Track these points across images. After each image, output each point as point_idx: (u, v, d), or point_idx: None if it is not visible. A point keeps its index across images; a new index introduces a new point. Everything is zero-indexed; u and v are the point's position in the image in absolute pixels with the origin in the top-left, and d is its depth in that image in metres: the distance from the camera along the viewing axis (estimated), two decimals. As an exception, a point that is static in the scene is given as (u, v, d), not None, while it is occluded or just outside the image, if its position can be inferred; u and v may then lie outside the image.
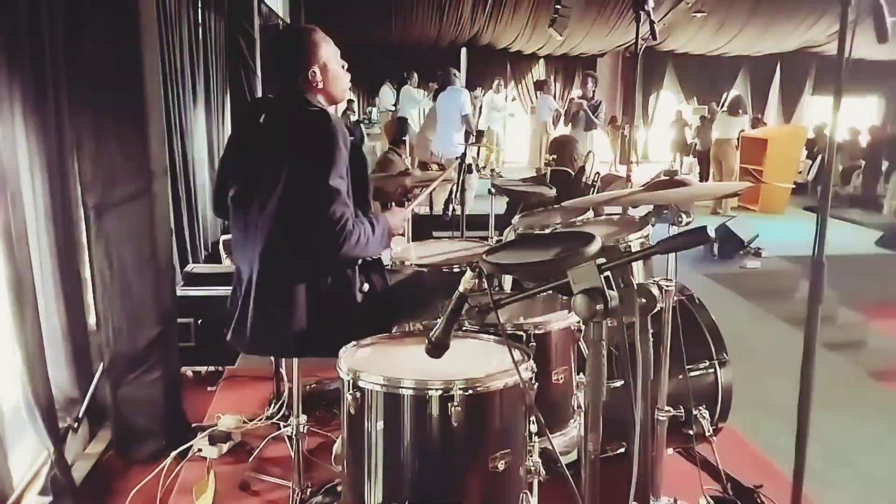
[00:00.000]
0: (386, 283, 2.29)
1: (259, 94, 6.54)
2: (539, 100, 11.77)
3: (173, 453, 2.66)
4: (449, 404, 1.52)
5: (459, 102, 7.26)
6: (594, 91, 8.57)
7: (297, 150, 2.03)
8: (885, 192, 11.57)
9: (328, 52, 2.16)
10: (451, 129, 7.29)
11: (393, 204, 3.31)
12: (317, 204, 1.97)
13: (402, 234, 2.30)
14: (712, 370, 2.41)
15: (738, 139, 9.60)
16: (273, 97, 2.29)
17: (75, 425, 2.67)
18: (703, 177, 11.24)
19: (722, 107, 10.66)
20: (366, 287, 2.18)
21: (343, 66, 2.21)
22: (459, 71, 8.72)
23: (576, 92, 12.75)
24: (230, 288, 2.27)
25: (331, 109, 2.16)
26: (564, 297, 2.16)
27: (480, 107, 11.66)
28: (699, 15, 11.92)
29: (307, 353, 2.17)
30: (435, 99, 8.43)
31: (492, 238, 3.79)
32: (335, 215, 1.96)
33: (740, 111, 9.51)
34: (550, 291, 1.35)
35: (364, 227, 2.05)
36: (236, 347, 2.23)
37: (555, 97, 13.25)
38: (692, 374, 2.36)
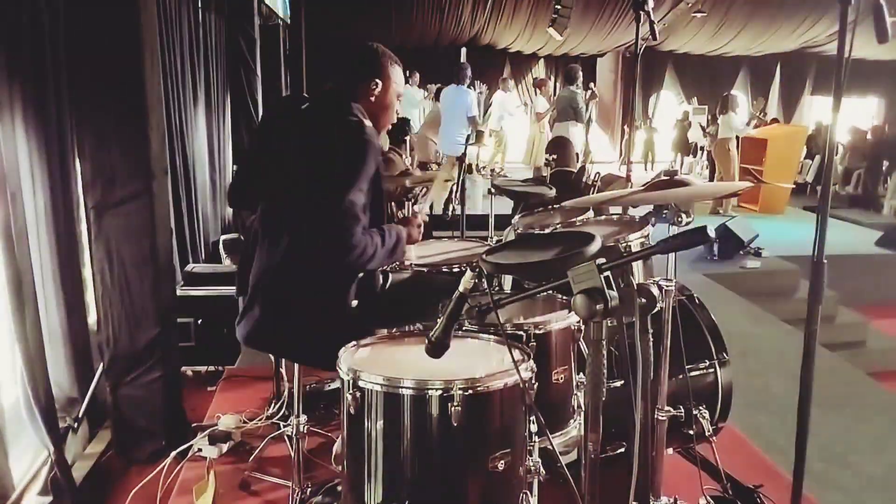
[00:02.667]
0: (376, 289, 2.29)
1: (259, 94, 6.55)
2: (535, 99, 11.77)
3: (173, 453, 2.67)
4: (449, 404, 1.52)
5: (466, 103, 7.24)
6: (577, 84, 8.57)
7: (326, 157, 2.00)
8: (885, 192, 11.58)
9: (397, 81, 2.18)
10: (456, 128, 7.27)
11: (400, 210, 3.29)
12: (328, 215, 1.95)
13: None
14: (712, 370, 2.41)
15: (736, 138, 9.59)
16: (316, 95, 2.26)
17: (75, 425, 2.67)
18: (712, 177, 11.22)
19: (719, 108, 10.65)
20: (355, 302, 2.16)
21: (397, 110, 2.23)
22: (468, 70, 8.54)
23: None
24: (230, 288, 2.27)
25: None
26: (564, 297, 2.17)
27: (488, 106, 11.62)
28: (699, 15, 11.92)
29: (304, 360, 2.17)
30: (437, 96, 8.39)
31: (492, 238, 3.79)
32: (342, 227, 1.95)
33: (733, 109, 9.48)
34: (550, 291, 1.35)
35: (372, 238, 2.03)
36: (243, 342, 2.24)
37: (553, 96, 13.23)
38: (692, 374, 2.36)
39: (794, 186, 10.73)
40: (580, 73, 8.99)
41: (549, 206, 3.28)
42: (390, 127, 2.42)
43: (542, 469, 1.70)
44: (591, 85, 12.00)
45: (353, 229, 1.95)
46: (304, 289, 2.07)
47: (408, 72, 11.49)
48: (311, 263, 2.04)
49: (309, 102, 2.20)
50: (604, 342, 1.28)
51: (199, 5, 5.02)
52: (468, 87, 7.51)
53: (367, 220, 2.04)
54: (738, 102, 9.56)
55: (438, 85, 10.26)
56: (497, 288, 2.62)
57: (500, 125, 11.45)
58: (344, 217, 1.94)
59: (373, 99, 2.14)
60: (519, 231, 2.81)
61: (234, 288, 2.52)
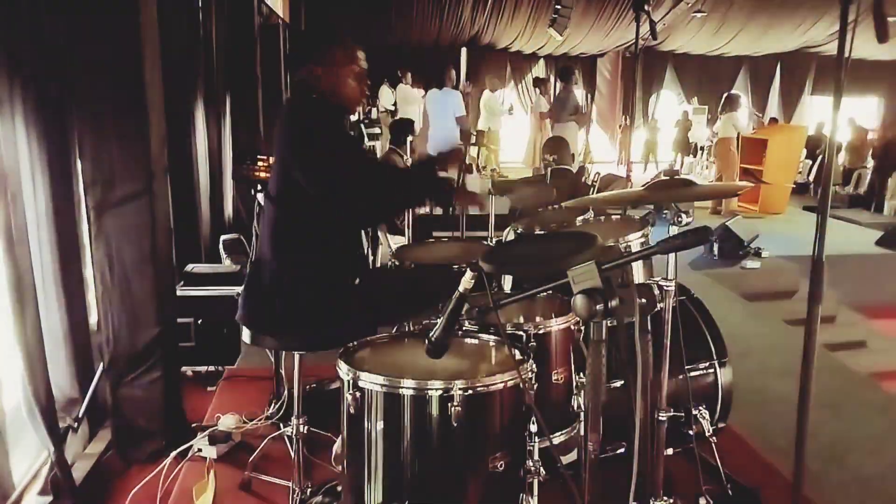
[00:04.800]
0: (374, 282, 2.31)
1: (259, 94, 6.54)
2: (535, 100, 11.75)
3: (173, 453, 2.66)
4: (449, 404, 1.52)
5: (453, 104, 7.26)
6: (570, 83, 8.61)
7: (283, 134, 2.12)
8: (885, 192, 11.56)
9: (341, 58, 2.19)
10: (443, 130, 7.30)
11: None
12: (317, 170, 2.03)
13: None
14: (712, 370, 2.41)
15: (737, 137, 9.59)
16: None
17: (75, 425, 2.67)
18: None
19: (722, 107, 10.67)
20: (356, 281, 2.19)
21: (358, 82, 2.23)
22: (458, 71, 8.70)
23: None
24: (230, 288, 2.28)
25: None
26: (565, 297, 2.17)
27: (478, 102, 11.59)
28: (699, 15, 11.92)
29: (302, 345, 2.20)
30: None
31: (492, 238, 3.79)
32: (332, 170, 2.03)
33: (735, 108, 9.49)
34: (550, 291, 1.35)
35: (391, 177, 2.14)
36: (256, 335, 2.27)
37: (552, 97, 13.25)
38: (692, 374, 2.36)
39: (794, 186, 10.72)
40: (575, 71, 8.99)
41: (549, 206, 3.28)
42: (356, 109, 2.42)
43: (542, 469, 1.70)
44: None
45: (340, 167, 2.03)
46: (306, 269, 2.12)
47: (399, 71, 11.51)
48: (325, 235, 2.13)
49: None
50: (604, 342, 1.28)
51: (199, 5, 5.02)
52: (453, 88, 7.53)
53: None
54: (741, 102, 9.57)
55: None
56: (497, 288, 2.62)
57: (487, 125, 11.42)
58: (340, 172, 2.02)
59: (317, 83, 2.17)
60: (519, 231, 2.81)
61: (237, 288, 2.53)
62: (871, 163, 12.48)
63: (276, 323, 2.17)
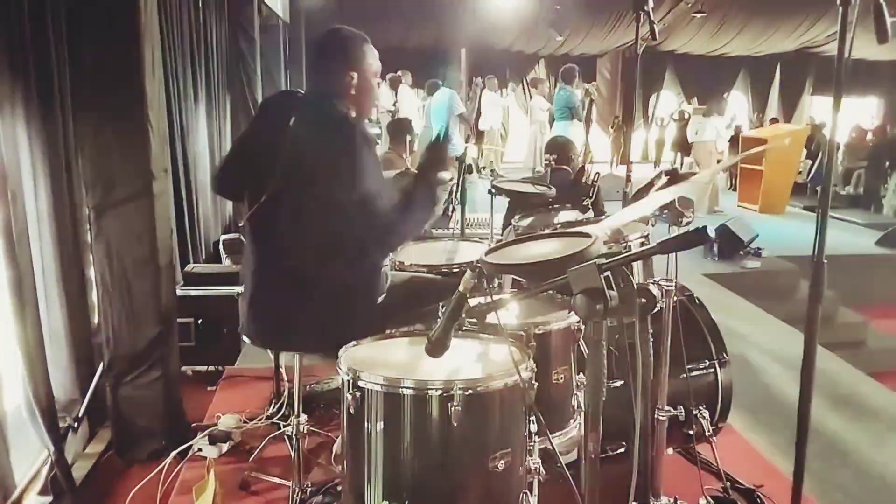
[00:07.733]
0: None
1: (259, 94, 6.54)
2: (532, 100, 11.76)
3: (173, 453, 2.67)
4: (449, 404, 1.52)
5: (449, 104, 7.24)
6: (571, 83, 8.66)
7: (329, 158, 2.02)
8: (885, 192, 11.58)
9: (370, 62, 2.17)
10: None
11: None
12: (358, 214, 1.97)
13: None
14: (712, 370, 2.42)
15: (716, 142, 9.68)
16: (303, 95, 2.25)
17: (75, 425, 2.67)
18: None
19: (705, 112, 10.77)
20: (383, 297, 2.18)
21: (378, 84, 2.22)
22: (458, 71, 8.70)
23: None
24: (230, 288, 2.27)
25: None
26: (565, 297, 2.17)
27: (479, 101, 11.64)
28: (699, 15, 11.92)
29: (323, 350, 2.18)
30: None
31: (492, 238, 3.79)
32: (374, 220, 1.99)
33: (714, 113, 9.58)
34: (550, 291, 1.35)
35: (400, 216, 2.04)
36: (256, 343, 2.23)
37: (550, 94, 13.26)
38: (692, 373, 2.37)
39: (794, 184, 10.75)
40: (577, 73, 9.02)
41: (549, 206, 3.28)
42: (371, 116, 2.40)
43: (542, 469, 1.70)
44: (588, 85, 12.00)
45: (381, 218, 1.99)
46: (331, 283, 2.07)
47: (399, 71, 11.51)
48: (343, 259, 2.06)
49: (296, 108, 2.18)
50: (604, 342, 1.28)
51: (199, 5, 5.02)
52: (452, 87, 7.53)
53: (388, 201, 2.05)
54: (723, 107, 9.76)
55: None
56: (497, 288, 2.62)
57: (489, 125, 11.43)
58: (368, 210, 1.97)
59: (351, 90, 2.14)
60: (519, 231, 2.81)
61: (237, 288, 2.52)
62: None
63: (300, 333, 2.12)
